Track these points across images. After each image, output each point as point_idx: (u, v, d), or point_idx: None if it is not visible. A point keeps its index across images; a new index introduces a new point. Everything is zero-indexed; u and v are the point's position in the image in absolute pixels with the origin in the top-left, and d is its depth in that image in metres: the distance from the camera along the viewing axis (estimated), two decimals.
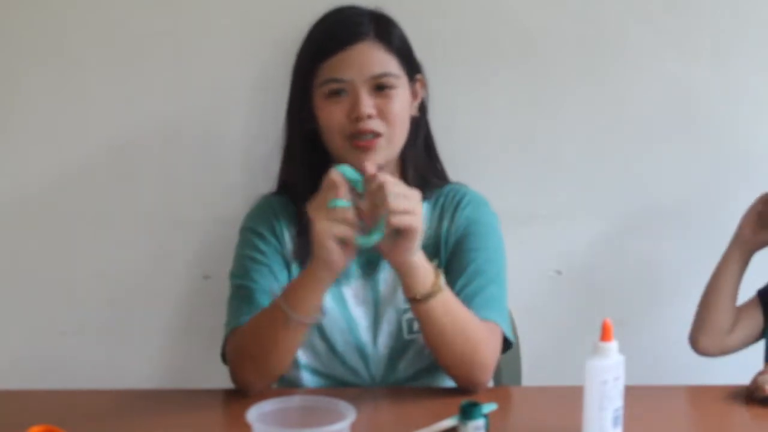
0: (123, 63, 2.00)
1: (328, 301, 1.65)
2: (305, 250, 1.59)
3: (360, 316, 1.69)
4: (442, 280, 1.53)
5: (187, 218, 2.04)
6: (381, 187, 1.44)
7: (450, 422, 1.44)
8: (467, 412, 1.37)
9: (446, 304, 1.54)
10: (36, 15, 1.97)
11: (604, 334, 1.37)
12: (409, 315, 1.65)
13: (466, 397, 1.40)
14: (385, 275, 1.69)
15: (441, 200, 1.73)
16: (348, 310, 1.68)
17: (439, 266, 1.61)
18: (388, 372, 1.70)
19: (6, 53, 1.99)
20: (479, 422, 1.37)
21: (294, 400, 1.33)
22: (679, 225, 2.10)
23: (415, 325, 1.66)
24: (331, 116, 1.63)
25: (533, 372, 2.08)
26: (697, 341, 1.87)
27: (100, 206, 2.04)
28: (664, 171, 2.09)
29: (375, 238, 1.46)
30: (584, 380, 1.38)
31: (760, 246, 1.84)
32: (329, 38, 1.65)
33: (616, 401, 1.37)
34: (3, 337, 2.07)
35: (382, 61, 1.65)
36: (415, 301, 1.52)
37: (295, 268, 1.68)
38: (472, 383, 1.59)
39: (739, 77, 2.06)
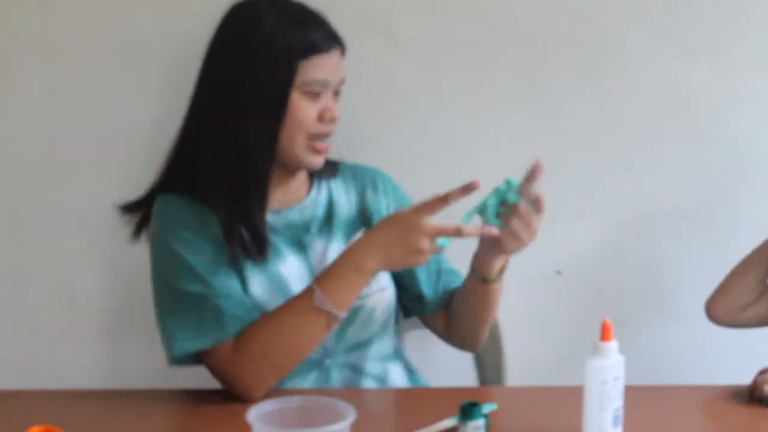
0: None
1: (265, 282, 1.65)
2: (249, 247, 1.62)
3: (295, 287, 1.67)
4: (505, 270, 1.70)
5: None
6: (540, 204, 1.62)
7: (450, 422, 1.44)
8: (467, 412, 1.37)
9: (500, 288, 1.72)
10: None
11: (604, 334, 1.37)
12: None
13: (466, 397, 1.40)
14: (314, 251, 1.72)
15: (352, 175, 1.82)
16: (289, 289, 1.67)
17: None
18: (338, 340, 1.70)
19: None
20: (479, 422, 1.37)
21: (294, 400, 1.33)
22: (679, 225, 2.10)
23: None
24: (306, 114, 1.64)
25: (533, 372, 2.08)
26: (712, 306, 1.86)
27: (100, 206, 2.04)
28: (664, 171, 2.09)
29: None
30: (584, 380, 1.38)
31: None
32: (315, 38, 1.65)
33: (616, 401, 1.37)
34: (3, 337, 2.07)
35: (342, 67, 1.70)
36: (484, 280, 1.69)
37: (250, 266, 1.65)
38: (472, 348, 1.83)
39: (739, 77, 2.06)
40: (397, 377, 1.78)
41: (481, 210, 1.58)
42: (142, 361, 2.08)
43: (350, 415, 1.26)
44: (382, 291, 1.74)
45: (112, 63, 2.01)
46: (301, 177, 1.77)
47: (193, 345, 1.60)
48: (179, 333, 1.61)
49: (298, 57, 1.63)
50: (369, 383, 1.74)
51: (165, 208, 1.67)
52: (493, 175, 2.05)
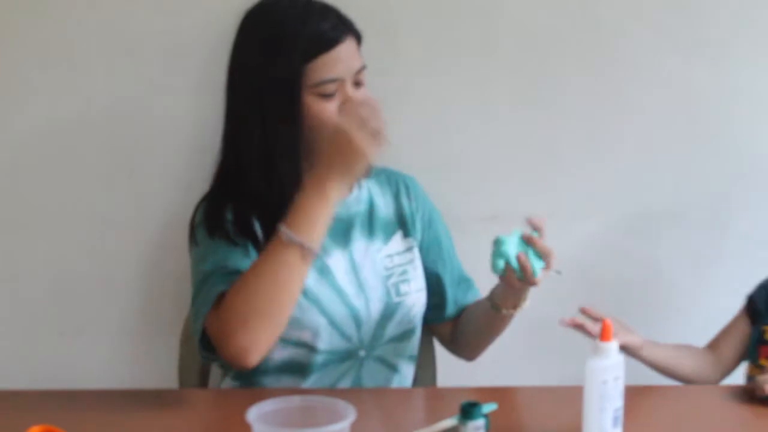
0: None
1: (314, 273, 1.67)
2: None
3: (346, 284, 1.71)
4: (524, 303, 1.73)
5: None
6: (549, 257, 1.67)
7: (450, 422, 1.44)
8: (467, 412, 1.37)
9: (510, 318, 1.76)
10: None
11: (604, 334, 1.37)
12: (394, 279, 1.75)
13: (466, 397, 1.40)
14: (358, 245, 1.75)
15: (385, 178, 1.84)
16: (336, 280, 1.70)
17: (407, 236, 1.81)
18: (377, 334, 1.74)
19: None
20: (479, 422, 1.37)
21: (294, 400, 1.33)
22: (679, 225, 2.10)
23: (402, 288, 1.75)
24: (325, 115, 1.62)
25: (533, 372, 2.08)
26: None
27: (100, 206, 2.04)
28: (664, 171, 2.09)
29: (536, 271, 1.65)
30: (584, 380, 1.38)
31: None
32: (317, 38, 1.62)
33: (616, 401, 1.37)
34: (3, 337, 2.07)
35: (358, 54, 1.68)
36: (500, 310, 1.72)
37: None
38: (471, 357, 1.88)
39: (739, 77, 2.05)
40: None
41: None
42: (143, 361, 2.09)
43: (350, 415, 1.26)
44: (419, 291, 1.79)
45: (112, 63, 2.01)
46: None
47: (200, 320, 1.57)
48: (196, 313, 1.59)
49: (302, 60, 1.61)
50: (396, 383, 1.77)
51: (204, 215, 1.68)
52: (493, 174, 2.06)
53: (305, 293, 1.64)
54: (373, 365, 1.75)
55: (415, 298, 1.78)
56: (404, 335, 1.78)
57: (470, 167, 2.07)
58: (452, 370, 1.98)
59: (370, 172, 1.74)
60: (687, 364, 1.80)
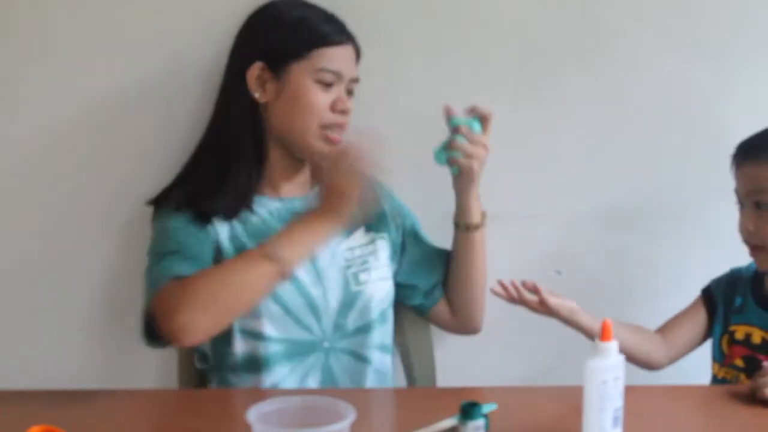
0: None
1: None
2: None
3: (303, 273, 1.73)
4: (486, 218, 1.82)
5: None
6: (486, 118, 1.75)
7: (450, 422, 1.44)
8: (467, 412, 1.37)
9: (483, 239, 1.83)
10: None
11: (604, 334, 1.37)
12: (354, 269, 1.79)
13: (466, 397, 1.40)
14: None
15: None
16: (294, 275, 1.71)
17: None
18: (338, 324, 1.76)
19: None
20: (479, 422, 1.37)
21: (294, 400, 1.33)
22: (679, 225, 2.10)
23: (361, 277, 1.79)
24: (318, 101, 1.73)
25: (533, 372, 2.08)
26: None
27: (101, 206, 2.04)
28: (663, 171, 2.09)
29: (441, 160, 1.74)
30: (584, 380, 1.38)
31: None
32: (331, 28, 1.75)
33: (616, 401, 1.37)
34: (3, 337, 2.07)
35: (356, 66, 1.81)
36: (467, 228, 1.80)
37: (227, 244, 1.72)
38: (473, 324, 1.89)
39: (739, 77, 2.06)
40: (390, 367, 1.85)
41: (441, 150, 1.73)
42: (143, 361, 2.08)
43: (350, 415, 1.26)
44: (382, 281, 1.82)
45: (112, 64, 2.00)
46: (306, 171, 1.84)
47: (151, 295, 1.62)
48: (149, 286, 1.65)
49: (313, 42, 1.72)
50: (371, 374, 1.79)
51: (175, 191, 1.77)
52: (493, 174, 2.06)
53: None
54: (342, 357, 1.77)
55: (377, 287, 1.80)
56: (369, 325, 1.79)
57: None
58: (452, 370, 1.98)
59: (372, 219, 1.83)
60: (630, 339, 1.77)
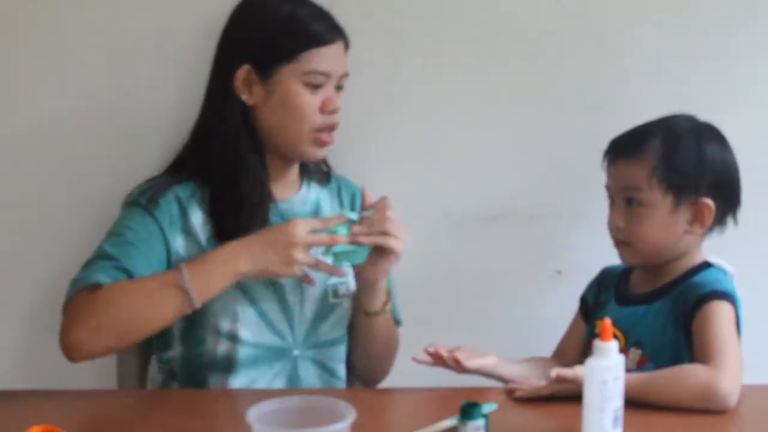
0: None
1: None
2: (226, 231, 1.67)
3: (285, 281, 1.72)
4: (390, 303, 1.77)
5: None
6: (383, 211, 1.61)
7: (450, 422, 1.44)
8: (467, 412, 1.37)
9: (385, 322, 1.78)
10: None
11: (604, 334, 1.37)
12: (334, 281, 1.77)
13: (466, 397, 1.40)
14: None
15: (340, 190, 1.88)
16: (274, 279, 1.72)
17: None
18: (309, 334, 1.75)
19: None
20: (479, 422, 1.37)
21: (294, 400, 1.33)
22: None
23: (340, 290, 1.78)
24: (308, 105, 1.69)
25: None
26: None
27: (101, 206, 2.04)
28: None
29: (361, 256, 1.65)
30: (584, 380, 1.38)
31: None
32: (320, 28, 1.70)
33: (616, 401, 1.37)
34: (3, 337, 2.07)
35: (346, 60, 1.76)
36: (366, 314, 1.74)
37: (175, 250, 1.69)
38: (375, 382, 1.87)
39: (739, 77, 2.05)
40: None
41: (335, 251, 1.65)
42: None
43: (350, 415, 1.26)
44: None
45: (103, 61, 2.00)
46: (294, 173, 1.82)
47: (71, 293, 1.62)
48: (73, 284, 1.64)
49: (300, 44, 1.68)
50: (336, 386, 1.79)
51: (154, 185, 1.73)
52: (493, 174, 2.06)
53: (238, 284, 1.66)
54: (310, 367, 1.76)
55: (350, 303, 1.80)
56: (339, 339, 1.80)
57: (470, 167, 2.07)
58: (452, 370, 1.98)
59: (328, 180, 1.85)
60: (538, 376, 1.76)
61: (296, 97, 1.69)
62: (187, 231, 1.70)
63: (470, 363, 1.68)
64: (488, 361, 1.71)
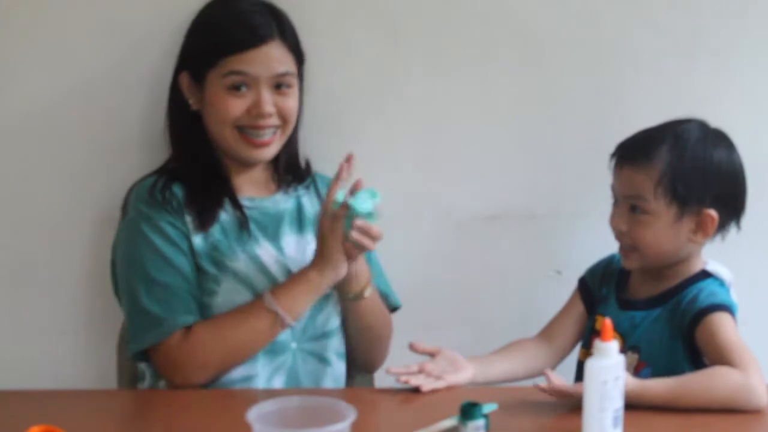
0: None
1: (247, 260, 1.74)
2: (211, 217, 1.75)
3: (277, 272, 1.76)
4: (370, 287, 1.77)
5: None
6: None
7: (450, 422, 1.44)
8: (467, 412, 1.37)
9: (369, 306, 1.79)
10: None
11: (604, 334, 1.37)
12: None
13: (466, 397, 1.40)
14: (288, 239, 1.81)
15: (317, 186, 1.90)
16: (266, 267, 1.76)
17: None
18: (307, 325, 1.77)
19: None
20: (479, 422, 1.37)
21: (294, 400, 1.33)
22: None
23: None
24: (229, 109, 1.74)
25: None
26: None
27: (103, 204, 2.04)
28: None
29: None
30: (584, 380, 1.38)
31: None
32: (240, 34, 1.73)
33: (616, 401, 1.38)
34: (3, 337, 2.07)
35: (284, 60, 1.76)
36: (348, 299, 1.77)
37: (199, 241, 1.74)
38: (371, 366, 1.90)
39: (739, 77, 2.05)
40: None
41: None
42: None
43: (350, 415, 1.26)
44: None
45: (109, 60, 2.01)
46: (265, 171, 1.86)
47: (151, 337, 1.67)
48: (142, 323, 1.68)
49: (219, 51, 1.73)
50: (330, 378, 1.81)
51: (146, 192, 1.77)
52: (493, 174, 2.06)
53: (237, 278, 1.72)
54: (308, 359, 1.78)
55: None
56: (333, 330, 1.82)
57: (470, 167, 2.07)
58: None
59: (304, 178, 1.89)
60: (520, 369, 1.79)
61: (218, 100, 1.74)
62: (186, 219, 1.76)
63: (450, 379, 1.67)
64: (461, 378, 1.70)
